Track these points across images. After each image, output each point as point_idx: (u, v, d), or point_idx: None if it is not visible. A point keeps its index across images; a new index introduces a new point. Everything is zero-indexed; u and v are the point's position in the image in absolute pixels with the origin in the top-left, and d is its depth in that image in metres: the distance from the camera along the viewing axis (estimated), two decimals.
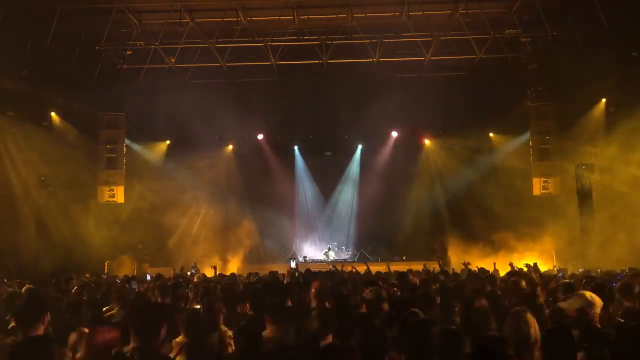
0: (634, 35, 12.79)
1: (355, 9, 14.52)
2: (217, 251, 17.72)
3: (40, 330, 3.49)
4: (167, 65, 16.31)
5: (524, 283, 6.22)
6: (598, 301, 4.07)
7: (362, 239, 20.81)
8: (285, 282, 8.98)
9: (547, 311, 4.51)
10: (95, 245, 16.26)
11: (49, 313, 3.67)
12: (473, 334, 3.41)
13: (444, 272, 10.39)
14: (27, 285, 7.70)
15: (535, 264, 11.63)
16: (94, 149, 16.93)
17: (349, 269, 11.54)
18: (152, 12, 15.15)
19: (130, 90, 16.70)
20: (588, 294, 4.13)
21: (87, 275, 12.42)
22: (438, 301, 5.13)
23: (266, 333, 4.20)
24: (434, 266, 14.01)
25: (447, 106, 16.01)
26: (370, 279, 7.66)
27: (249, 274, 10.87)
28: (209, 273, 11.98)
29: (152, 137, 19.16)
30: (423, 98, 15.63)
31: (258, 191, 19.35)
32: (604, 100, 15.76)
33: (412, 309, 4.15)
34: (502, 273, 10.56)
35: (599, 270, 10.05)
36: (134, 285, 8.79)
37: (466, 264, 11.50)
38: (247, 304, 5.28)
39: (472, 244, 17.22)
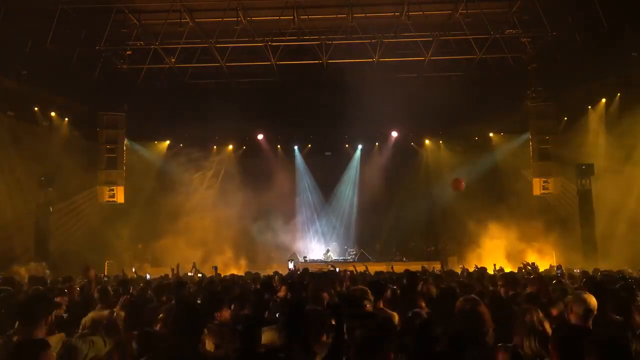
0: (634, 35, 12.79)
1: (355, 9, 14.52)
2: (217, 251, 17.72)
3: (42, 331, 3.45)
4: (167, 65, 16.30)
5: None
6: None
7: (362, 239, 20.81)
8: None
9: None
10: (96, 245, 16.26)
11: (53, 314, 3.64)
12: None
13: (446, 272, 10.40)
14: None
15: (533, 264, 11.67)
16: (94, 149, 16.93)
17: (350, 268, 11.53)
18: (152, 12, 15.14)
19: (130, 90, 16.72)
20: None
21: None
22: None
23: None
24: (434, 266, 14.03)
25: (447, 106, 16.01)
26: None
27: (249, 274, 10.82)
28: (208, 273, 11.98)
29: (152, 137, 19.16)
30: (423, 98, 15.63)
31: (258, 191, 19.33)
32: (604, 100, 15.77)
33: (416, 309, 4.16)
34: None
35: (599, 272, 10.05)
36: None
37: (465, 269, 11.55)
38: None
39: (472, 244, 17.23)
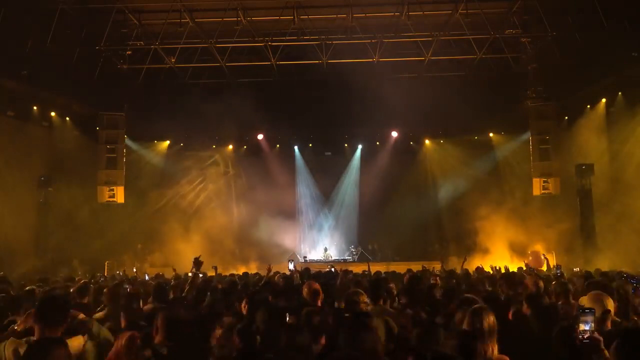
0: (634, 35, 12.78)
1: (355, 9, 14.51)
2: (217, 251, 17.70)
3: (59, 332, 3.44)
4: (167, 65, 16.30)
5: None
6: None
7: (362, 238, 20.82)
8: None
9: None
10: (95, 245, 16.26)
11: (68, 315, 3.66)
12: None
13: (445, 272, 10.40)
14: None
15: (528, 265, 11.68)
16: (94, 149, 16.93)
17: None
18: (152, 12, 15.14)
19: (130, 90, 16.71)
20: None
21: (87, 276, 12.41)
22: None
23: None
24: (434, 266, 14.03)
25: (447, 106, 16.00)
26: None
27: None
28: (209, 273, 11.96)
29: (152, 137, 19.16)
30: (423, 98, 15.62)
31: (258, 191, 19.35)
32: (604, 100, 15.76)
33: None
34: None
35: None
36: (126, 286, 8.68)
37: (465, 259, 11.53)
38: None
39: (471, 244, 17.22)
